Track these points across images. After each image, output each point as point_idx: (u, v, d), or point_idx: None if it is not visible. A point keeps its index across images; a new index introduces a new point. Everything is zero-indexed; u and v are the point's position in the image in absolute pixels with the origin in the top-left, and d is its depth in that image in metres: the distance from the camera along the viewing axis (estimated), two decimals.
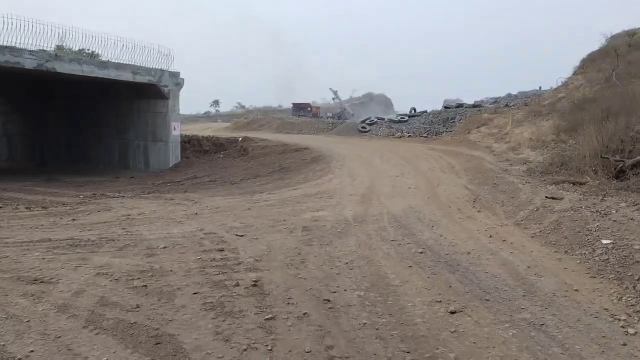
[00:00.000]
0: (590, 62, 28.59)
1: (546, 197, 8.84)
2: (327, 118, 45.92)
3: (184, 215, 8.79)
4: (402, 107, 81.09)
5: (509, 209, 8.63)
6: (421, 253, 6.05)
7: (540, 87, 46.60)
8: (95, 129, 23.51)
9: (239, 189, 12.84)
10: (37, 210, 9.39)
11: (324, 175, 14.89)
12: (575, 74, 28.50)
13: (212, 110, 79.20)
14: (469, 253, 6.09)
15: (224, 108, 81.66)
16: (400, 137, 27.07)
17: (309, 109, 50.08)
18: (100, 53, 20.19)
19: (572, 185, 11.04)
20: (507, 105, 35.01)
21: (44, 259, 5.54)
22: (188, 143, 25.43)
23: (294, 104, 53.17)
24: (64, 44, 18.97)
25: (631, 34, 27.37)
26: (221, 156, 23.52)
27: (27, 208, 9.58)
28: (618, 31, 32.46)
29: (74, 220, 8.34)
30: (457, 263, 5.68)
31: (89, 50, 20.59)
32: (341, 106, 49.20)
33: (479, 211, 8.75)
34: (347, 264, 5.60)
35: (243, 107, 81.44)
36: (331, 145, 24.02)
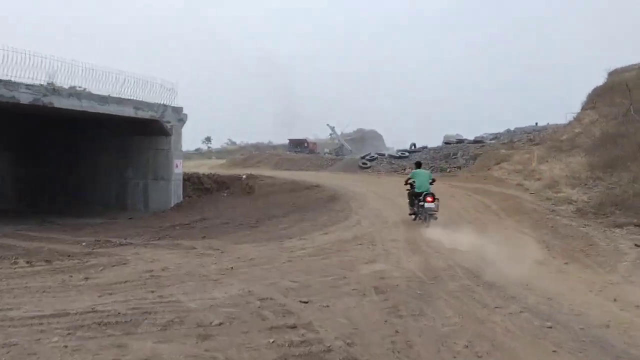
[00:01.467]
0: (597, 97, 28.14)
1: (635, 245, 7.69)
2: (325, 154, 45.03)
3: (217, 270, 7.42)
4: (393, 142, 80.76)
5: (598, 260, 7.45)
6: (550, 327, 4.77)
7: (537, 123, 46.44)
8: (91, 167, 22.06)
9: (262, 233, 11.49)
10: (40, 265, 7.94)
11: (349, 216, 13.64)
12: (584, 108, 27.96)
13: (204, 146, 77.98)
14: (608, 326, 4.84)
15: (215, 144, 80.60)
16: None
17: (306, 145, 49.16)
18: (100, 87, 18.87)
19: (637, 227, 9.98)
20: (511, 141, 34.46)
21: (66, 347, 4.14)
22: (188, 181, 23.98)
23: (290, 140, 52.24)
24: (61, 78, 17.64)
25: None
26: (225, 194, 22.16)
27: (28, 262, 8.11)
28: (617, 66, 32.36)
29: (86, 279, 6.93)
30: (607, 342, 4.43)
31: (80, 87, 19.23)
32: (339, 142, 48.42)
33: (565, 263, 7.53)
34: (466, 346, 4.29)
35: (234, 143, 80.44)
36: (340, 182, 22.89)
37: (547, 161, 18.02)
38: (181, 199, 21.18)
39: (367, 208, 14.89)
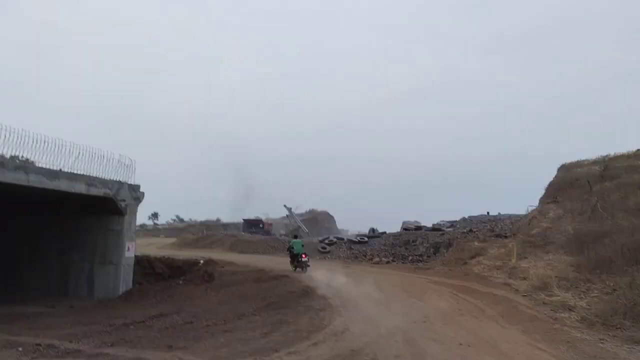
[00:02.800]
0: (556, 192, 28.77)
1: None
2: (281, 236, 43.45)
3: None
4: (345, 225, 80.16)
5: None
6: None
7: (488, 212, 47.21)
8: (30, 247, 19.70)
9: (240, 342, 9.76)
10: None
11: (333, 317, 12.14)
12: (545, 202, 28.43)
13: (150, 222, 74.44)
14: None
15: (161, 220, 77.29)
16: (378, 263, 24.90)
17: (261, 226, 47.36)
18: (51, 160, 17.02)
19: None
20: (471, 230, 34.38)
21: None
22: (137, 264, 21.60)
23: (245, 220, 50.30)
24: (7, 149, 15.74)
25: (603, 164, 28.07)
26: (181, 282, 20.10)
27: None
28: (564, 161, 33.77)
29: None
30: None
31: (23, 157, 17.31)
32: (295, 223, 47.11)
33: None
34: None
35: (182, 220, 77.44)
36: (307, 272, 21.44)
37: (525, 257, 17.46)
38: (130, 286, 19.06)
39: (350, 307, 13.47)
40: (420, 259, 30.47)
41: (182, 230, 57.76)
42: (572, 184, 28.84)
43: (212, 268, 20.98)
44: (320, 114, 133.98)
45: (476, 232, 33.23)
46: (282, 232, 46.34)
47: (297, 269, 21.10)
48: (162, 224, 73.65)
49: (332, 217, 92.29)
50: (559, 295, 12.96)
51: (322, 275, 19.12)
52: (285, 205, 48.17)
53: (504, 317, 11.72)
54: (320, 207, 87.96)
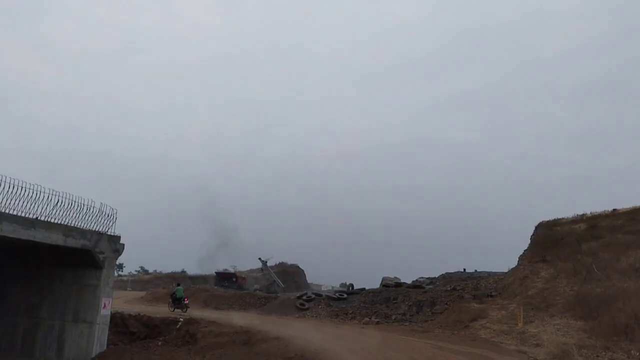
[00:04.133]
0: (543, 250, 28.58)
1: None
2: (255, 290, 41.65)
3: None
4: (315, 278, 78.41)
5: None
6: None
7: (464, 269, 46.87)
8: None
9: None
10: None
11: None
12: (534, 261, 28.06)
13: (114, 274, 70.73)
14: None
15: (125, 271, 73.70)
16: (367, 323, 23.71)
17: (234, 279, 45.31)
18: (26, 208, 15.54)
19: None
20: (454, 289, 33.66)
21: None
22: (109, 322, 20.00)
23: (218, 273, 48.12)
24: None
25: (587, 223, 28.18)
26: (159, 344, 18.42)
27: None
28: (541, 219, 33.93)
29: None
30: None
31: None
32: (270, 278, 45.39)
33: None
34: None
35: (146, 271, 74.10)
36: (293, 331, 20.16)
37: (531, 322, 16.74)
38: (105, 347, 17.33)
39: None
40: (404, 317, 29.47)
41: (147, 283, 54.89)
42: (558, 243, 28.77)
43: (194, 329, 19.40)
44: (283, 164, 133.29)
45: (460, 291, 32.56)
46: (257, 286, 44.49)
47: (177, 309, 27.24)
48: (126, 276, 70.12)
49: (302, 270, 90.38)
50: None
51: (315, 337, 17.85)
52: (260, 258, 46.58)
53: None
54: (289, 261, 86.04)
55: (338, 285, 57.66)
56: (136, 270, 75.18)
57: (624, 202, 39.57)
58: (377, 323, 24.28)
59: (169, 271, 70.17)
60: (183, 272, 70.39)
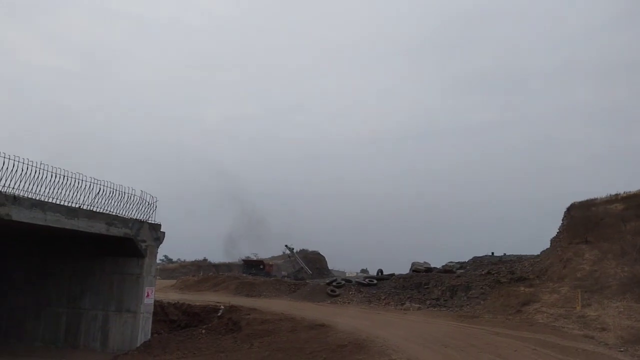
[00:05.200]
0: (584, 231, 27.75)
1: None
2: (283, 277, 41.39)
3: None
4: (337, 265, 77.93)
5: None
6: None
7: (492, 253, 46.05)
8: (36, 292, 17.67)
9: None
10: None
11: None
12: (575, 242, 27.25)
13: None
14: None
15: None
16: (409, 308, 23.28)
17: (262, 267, 45.01)
18: (69, 197, 15.24)
19: None
20: (489, 272, 32.99)
21: None
22: None
23: (245, 261, 47.82)
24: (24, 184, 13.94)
25: (627, 203, 27.27)
26: (203, 332, 18.18)
27: None
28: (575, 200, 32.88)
29: None
30: None
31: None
32: (297, 264, 45.13)
33: None
34: None
35: (171, 260, 74.52)
36: (336, 317, 19.71)
37: (589, 305, 16.11)
38: (149, 336, 17.15)
39: None
40: (438, 302, 28.93)
41: (173, 271, 55.07)
42: (599, 223, 27.89)
43: (237, 316, 19.09)
44: (304, 150, 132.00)
45: (496, 275, 31.88)
46: (284, 273, 44.27)
47: None
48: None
49: (323, 257, 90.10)
50: None
51: (362, 323, 17.45)
52: (286, 245, 46.37)
53: None
54: (310, 248, 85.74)
55: (359, 271, 57.21)
56: (160, 260, 75.69)
57: None
58: (419, 309, 23.79)
59: (193, 259, 70.53)
60: (205, 260, 70.63)
